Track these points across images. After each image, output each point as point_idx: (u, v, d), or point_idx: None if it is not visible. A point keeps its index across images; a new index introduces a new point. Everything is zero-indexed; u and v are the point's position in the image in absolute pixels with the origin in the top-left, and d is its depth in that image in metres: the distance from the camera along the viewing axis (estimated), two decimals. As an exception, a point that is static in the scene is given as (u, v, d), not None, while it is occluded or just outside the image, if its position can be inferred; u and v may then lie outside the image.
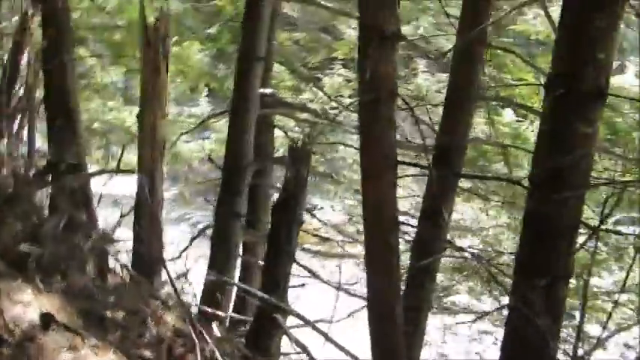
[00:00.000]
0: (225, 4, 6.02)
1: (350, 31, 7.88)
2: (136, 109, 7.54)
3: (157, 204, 4.74)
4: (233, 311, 5.54)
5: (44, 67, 4.56)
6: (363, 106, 2.25)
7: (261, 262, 6.69)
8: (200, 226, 7.62)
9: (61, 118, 4.22)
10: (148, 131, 4.53)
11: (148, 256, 4.68)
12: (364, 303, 5.57)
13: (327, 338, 3.32)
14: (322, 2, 5.60)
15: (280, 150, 6.05)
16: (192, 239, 6.17)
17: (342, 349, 3.37)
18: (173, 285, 3.28)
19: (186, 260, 5.06)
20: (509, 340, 2.42)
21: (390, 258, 2.49)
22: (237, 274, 5.86)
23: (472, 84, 3.16)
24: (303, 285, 6.42)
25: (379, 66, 2.17)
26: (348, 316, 5.87)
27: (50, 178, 3.95)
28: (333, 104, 8.14)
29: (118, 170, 4.45)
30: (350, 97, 9.07)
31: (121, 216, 4.69)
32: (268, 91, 5.41)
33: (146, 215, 4.68)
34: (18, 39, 4.91)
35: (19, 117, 4.89)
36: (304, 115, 5.76)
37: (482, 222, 6.93)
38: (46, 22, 4.45)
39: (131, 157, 8.19)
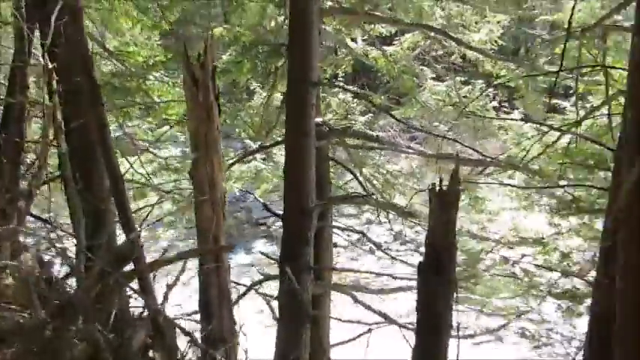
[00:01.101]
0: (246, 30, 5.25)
1: (352, 44, 7.27)
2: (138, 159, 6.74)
3: (225, 271, 3.94)
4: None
5: (67, 127, 3.71)
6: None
7: (333, 316, 5.97)
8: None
9: (105, 190, 3.37)
10: (205, 187, 3.74)
11: (219, 332, 3.89)
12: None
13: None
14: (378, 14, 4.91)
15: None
16: (240, 296, 5.37)
17: None
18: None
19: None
20: None
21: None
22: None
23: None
24: (370, 331, 5.71)
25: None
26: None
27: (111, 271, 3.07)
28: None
29: (203, 251, 3.62)
30: (362, 114, 8.49)
31: (169, 287, 3.89)
32: (319, 119, 4.71)
33: (213, 285, 3.87)
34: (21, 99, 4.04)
35: (35, 192, 4.00)
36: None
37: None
38: (64, 71, 3.62)
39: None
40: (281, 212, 4.88)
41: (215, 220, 3.77)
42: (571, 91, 7.58)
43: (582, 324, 8.32)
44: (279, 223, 13.79)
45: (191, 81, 3.59)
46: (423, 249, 10.14)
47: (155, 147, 7.04)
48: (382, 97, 7.73)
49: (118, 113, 5.24)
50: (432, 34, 5.54)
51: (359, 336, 5.59)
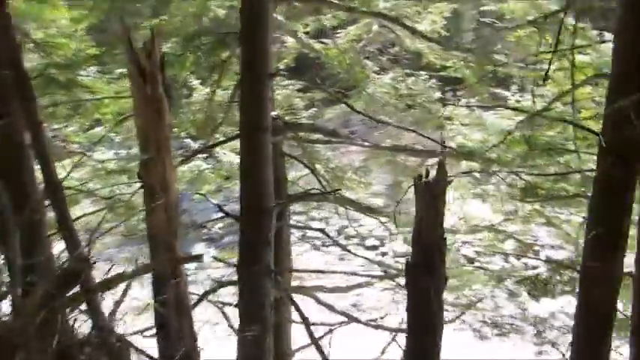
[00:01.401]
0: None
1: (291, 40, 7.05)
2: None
3: (184, 285, 3.61)
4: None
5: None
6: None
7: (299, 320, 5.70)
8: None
9: (41, 200, 2.95)
10: (156, 189, 3.38)
11: (179, 347, 3.56)
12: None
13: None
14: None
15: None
16: (193, 306, 5.01)
17: None
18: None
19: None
20: None
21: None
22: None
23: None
24: (331, 331, 5.52)
25: None
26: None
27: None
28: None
29: (161, 265, 3.25)
30: (305, 108, 8.28)
31: (117, 303, 3.51)
32: (274, 113, 4.44)
33: (170, 297, 3.53)
34: None
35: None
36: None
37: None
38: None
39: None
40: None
41: (169, 226, 3.43)
42: (512, 80, 7.74)
43: (534, 307, 8.60)
44: (220, 225, 13.29)
45: (137, 71, 3.23)
46: (368, 242, 10.03)
47: (88, 149, 6.47)
48: (329, 89, 7.54)
49: (46, 112, 4.71)
50: (385, 22, 5.39)
51: (321, 337, 5.40)
